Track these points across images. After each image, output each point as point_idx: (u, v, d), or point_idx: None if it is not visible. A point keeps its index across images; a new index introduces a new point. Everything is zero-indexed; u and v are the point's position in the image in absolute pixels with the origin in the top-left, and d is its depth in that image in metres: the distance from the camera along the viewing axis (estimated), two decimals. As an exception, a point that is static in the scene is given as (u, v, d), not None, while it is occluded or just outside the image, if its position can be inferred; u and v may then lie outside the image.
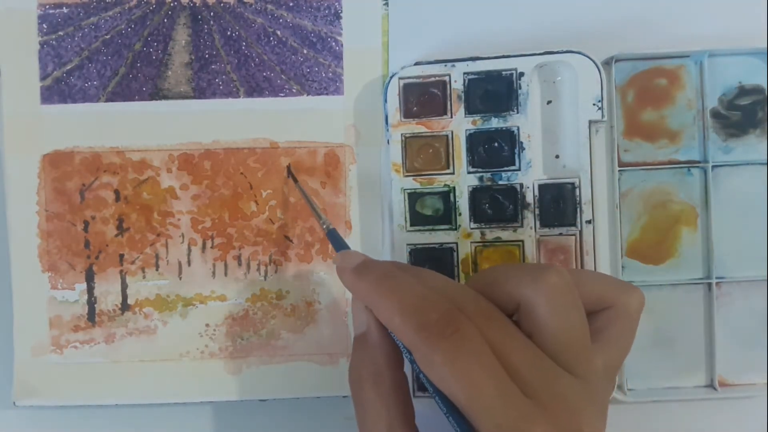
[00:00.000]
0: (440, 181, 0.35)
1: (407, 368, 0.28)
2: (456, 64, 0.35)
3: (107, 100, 0.37)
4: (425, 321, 0.24)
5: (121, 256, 0.37)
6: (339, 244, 0.32)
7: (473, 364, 0.23)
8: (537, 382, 0.24)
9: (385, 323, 0.26)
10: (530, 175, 0.35)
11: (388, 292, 0.26)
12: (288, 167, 0.36)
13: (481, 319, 0.25)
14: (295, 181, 0.36)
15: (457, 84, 0.35)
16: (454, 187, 0.35)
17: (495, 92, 0.35)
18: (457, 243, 0.35)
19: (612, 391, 0.28)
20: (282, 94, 0.37)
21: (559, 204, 0.35)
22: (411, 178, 0.36)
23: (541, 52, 0.34)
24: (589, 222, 0.35)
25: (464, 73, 0.35)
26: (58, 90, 0.37)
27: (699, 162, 0.36)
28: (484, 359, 0.23)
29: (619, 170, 0.36)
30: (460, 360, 0.23)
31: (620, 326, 0.27)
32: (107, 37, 0.37)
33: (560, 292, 0.25)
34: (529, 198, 0.35)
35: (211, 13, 0.37)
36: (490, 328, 0.25)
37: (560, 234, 0.35)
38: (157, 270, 0.37)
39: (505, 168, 0.35)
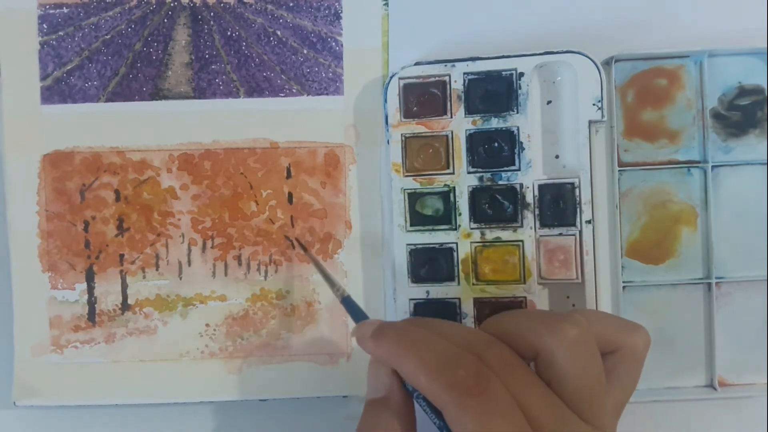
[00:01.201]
0: (440, 181, 0.35)
1: None
2: (456, 64, 0.35)
3: (107, 100, 0.37)
4: (453, 378, 0.24)
5: (122, 256, 0.37)
6: (355, 314, 0.31)
7: (503, 425, 0.23)
8: None
9: (412, 383, 0.26)
10: (530, 175, 0.35)
11: (408, 350, 0.26)
12: (297, 240, 0.36)
13: (504, 368, 0.25)
14: (305, 250, 0.36)
15: (457, 84, 0.35)
16: (454, 187, 0.35)
17: (495, 92, 0.35)
18: (457, 243, 0.35)
19: (616, 429, 0.28)
20: (282, 94, 0.37)
21: (559, 204, 0.35)
22: (411, 178, 0.36)
23: (541, 52, 0.34)
24: (588, 222, 0.35)
25: (464, 73, 0.35)
26: (58, 90, 0.37)
27: (699, 162, 0.36)
28: (513, 418, 0.24)
29: (619, 170, 0.36)
30: (490, 421, 0.23)
31: (628, 367, 0.28)
32: (107, 37, 0.37)
33: (580, 343, 0.26)
34: (529, 198, 0.35)
35: (212, 13, 0.37)
36: (513, 379, 0.25)
37: (560, 234, 0.35)
38: (157, 270, 0.37)
39: (505, 168, 0.35)
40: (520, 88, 0.35)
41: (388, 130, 0.36)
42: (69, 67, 0.37)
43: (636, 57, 0.36)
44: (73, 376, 0.36)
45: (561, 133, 0.35)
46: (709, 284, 0.36)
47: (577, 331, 0.26)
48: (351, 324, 0.36)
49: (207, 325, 0.37)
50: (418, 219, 0.36)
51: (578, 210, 0.35)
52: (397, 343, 0.26)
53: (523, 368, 0.26)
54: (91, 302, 0.37)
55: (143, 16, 0.37)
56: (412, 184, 0.36)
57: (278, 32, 0.37)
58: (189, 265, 0.37)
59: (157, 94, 0.37)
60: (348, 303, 0.32)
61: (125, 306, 0.37)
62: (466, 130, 0.35)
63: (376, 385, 0.28)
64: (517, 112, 0.35)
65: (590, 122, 0.34)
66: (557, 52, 0.34)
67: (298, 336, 0.37)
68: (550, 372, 0.26)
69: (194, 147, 0.37)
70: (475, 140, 0.35)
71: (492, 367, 0.25)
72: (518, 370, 0.25)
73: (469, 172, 0.35)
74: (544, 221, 0.35)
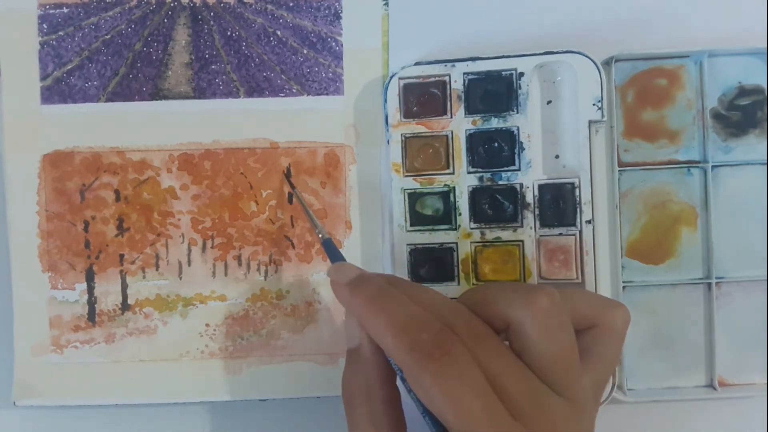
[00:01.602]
0: (440, 181, 0.35)
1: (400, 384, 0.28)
2: (456, 64, 0.35)
3: (107, 100, 0.37)
4: (416, 341, 0.24)
5: (122, 256, 0.37)
6: (334, 256, 0.32)
7: (462, 386, 0.23)
8: (525, 404, 0.24)
9: (377, 341, 0.26)
10: (530, 175, 0.35)
11: (380, 310, 0.26)
12: (285, 173, 0.36)
13: (472, 338, 0.25)
14: (293, 187, 0.36)
15: (457, 84, 0.35)
16: (454, 187, 0.35)
17: (495, 92, 0.35)
18: (457, 243, 0.35)
19: (597, 408, 0.28)
20: (282, 94, 0.37)
21: (559, 204, 0.35)
22: (411, 178, 0.36)
23: (541, 52, 0.34)
24: (588, 222, 0.35)
25: (464, 73, 0.35)
26: (58, 90, 0.37)
27: (699, 162, 0.36)
28: (474, 381, 0.24)
29: (619, 170, 0.36)
30: (449, 382, 0.23)
31: (607, 344, 0.28)
32: (107, 37, 0.37)
33: (550, 313, 0.26)
34: (529, 198, 0.35)
35: (211, 13, 0.37)
36: (480, 348, 0.25)
37: (560, 234, 0.35)
38: (157, 270, 0.37)
39: (505, 168, 0.35)
40: (520, 88, 0.35)
41: (388, 130, 0.36)
42: (69, 67, 0.37)
43: (636, 57, 0.36)
44: (73, 376, 0.36)
45: (561, 133, 0.35)
46: (709, 284, 0.36)
47: (547, 300, 0.26)
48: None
49: (207, 325, 0.37)
50: (418, 219, 0.36)
51: (578, 210, 0.35)
52: (370, 300, 0.27)
53: (493, 338, 0.26)
54: (91, 302, 0.37)
55: (143, 16, 0.37)
56: (412, 184, 0.36)
57: (278, 32, 0.37)
58: (189, 265, 0.37)
59: (157, 94, 0.37)
60: (328, 245, 0.33)
61: (125, 306, 0.37)
62: (466, 130, 0.35)
63: (350, 335, 0.29)
64: (517, 112, 0.35)
65: (590, 122, 0.34)
66: (557, 52, 0.34)
67: (298, 336, 0.37)
68: (520, 342, 0.26)
69: (194, 147, 0.37)
70: (475, 140, 0.35)
71: (461, 335, 0.25)
72: (487, 340, 0.25)
73: (469, 172, 0.35)
74: (544, 221, 0.35)
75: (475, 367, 0.24)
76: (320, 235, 0.33)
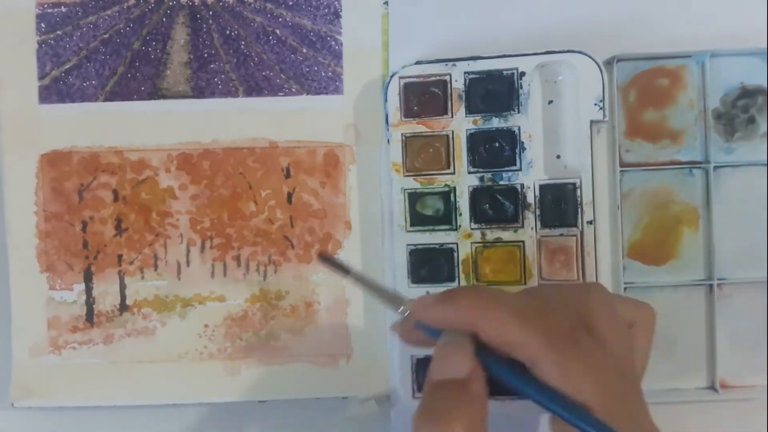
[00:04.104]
0: (440, 181, 0.35)
1: None
2: (457, 63, 0.35)
3: (106, 100, 0.36)
4: (550, 329, 0.24)
5: (120, 256, 0.36)
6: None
7: (596, 378, 0.24)
8: (622, 391, 0.25)
9: (499, 338, 0.25)
10: (531, 175, 0.35)
11: (496, 305, 0.25)
12: (324, 255, 0.32)
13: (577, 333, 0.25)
14: (347, 272, 0.30)
15: (458, 83, 0.35)
16: (454, 187, 0.35)
17: (496, 92, 0.35)
18: (457, 243, 0.35)
19: None
20: (281, 94, 0.37)
21: (560, 204, 0.35)
22: (411, 178, 0.35)
23: (543, 51, 0.34)
24: (590, 222, 0.34)
25: (465, 73, 0.35)
26: (56, 89, 0.36)
27: (700, 163, 0.36)
28: (602, 373, 0.24)
29: (621, 171, 0.36)
30: (587, 370, 0.24)
31: (642, 341, 0.28)
32: (106, 36, 0.36)
33: (610, 304, 0.27)
34: (530, 198, 0.35)
35: (210, 12, 0.37)
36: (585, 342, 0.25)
37: (561, 234, 0.35)
38: (155, 270, 0.36)
39: (506, 168, 0.35)
40: (521, 87, 0.35)
41: (388, 130, 0.35)
42: (67, 67, 0.36)
43: (638, 57, 0.36)
44: (71, 377, 0.36)
45: (562, 133, 0.35)
46: (711, 286, 0.36)
47: (604, 291, 0.27)
48: (351, 325, 0.36)
49: (206, 325, 0.36)
50: (418, 219, 0.35)
51: (579, 210, 0.34)
52: (477, 299, 0.25)
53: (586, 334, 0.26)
54: (90, 303, 0.36)
55: (142, 15, 0.36)
56: (413, 184, 0.35)
57: (277, 31, 0.37)
58: (188, 265, 0.37)
59: (155, 94, 0.36)
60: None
61: (123, 307, 0.36)
62: (466, 129, 0.35)
63: (452, 366, 0.25)
64: (518, 112, 0.35)
65: (592, 122, 0.34)
66: (559, 52, 0.34)
67: (298, 337, 0.36)
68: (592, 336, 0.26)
69: (193, 147, 0.37)
70: (475, 140, 0.35)
71: None
72: (585, 336, 0.25)
73: (469, 172, 0.35)
74: (545, 222, 0.35)
75: (601, 359, 0.25)
76: (400, 310, 0.28)
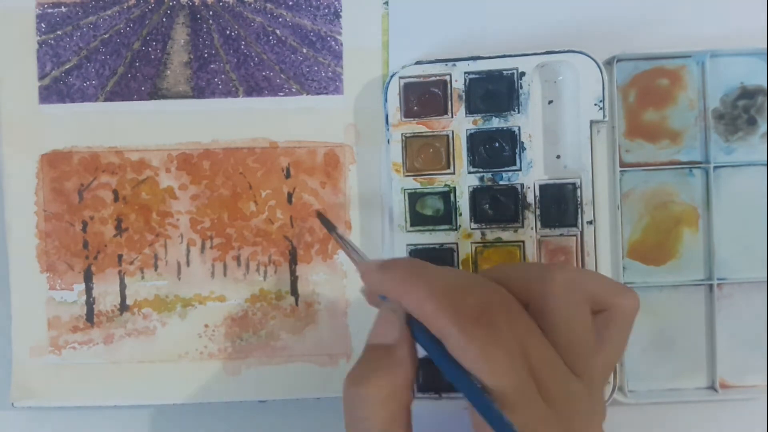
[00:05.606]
0: (441, 181, 0.35)
1: None
2: (457, 63, 0.35)
3: (106, 100, 0.36)
4: (460, 308, 0.24)
5: (120, 256, 0.36)
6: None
7: (505, 359, 0.23)
8: (552, 384, 0.24)
9: (416, 311, 0.25)
10: (531, 175, 0.35)
11: (419, 280, 0.25)
12: (319, 213, 0.35)
13: (508, 314, 0.25)
14: (332, 229, 0.33)
15: (458, 83, 0.35)
16: (454, 187, 0.35)
17: (496, 92, 0.35)
18: (457, 243, 0.35)
19: (604, 393, 0.28)
20: (281, 94, 0.37)
21: (560, 204, 0.35)
22: (411, 178, 0.35)
23: (543, 51, 0.34)
24: (590, 223, 0.34)
25: (465, 73, 0.35)
26: (56, 90, 0.36)
27: (700, 163, 0.36)
28: (515, 355, 0.24)
29: (621, 171, 0.36)
30: (495, 352, 0.23)
31: (617, 329, 0.27)
32: (106, 36, 0.36)
33: (570, 289, 0.26)
34: (530, 198, 0.35)
35: (210, 12, 0.37)
36: (516, 324, 0.25)
37: (561, 235, 0.35)
38: (155, 270, 0.36)
39: (506, 168, 0.35)
40: (521, 87, 0.35)
41: (388, 130, 0.35)
42: (67, 67, 0.36)
43: (638, 57, 0.36)
44: (71, 377, 0.36)
45: (562, 133, 0.35)
46: (711, 285, 0.36)
47: (566, 275, 0.26)
48: (351, 325, 0.36)
49: (206, 325, 0.37)
50: (418, 219, 0.35)
51: (579, 210, 0.35)
52: (407, 271, 0.26)
53: (525, 314, 0.26)
54: (90, 303, 0.36)
55: (142, 15, 0.36)
56: (413, 184, 0.35)
57: (277, 31, 0.37)
58: (188, 265, 0.37)
59: (155, 94, 0.36)
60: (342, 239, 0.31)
61: (124, 307, 0.36)
62: (466, 129, 0.35)
63: (383, 331, 0.26)
64: (518, 112, 0.35)
65: (592, 122, 0.34)
66: (559, 52, 0.34)
67: (298, 337, 0.36)
68: (542, 320, 0.25)
69: (193, 147, 0.37)
70: (475, 140, 0.35)
71: (497, 308, 0.25)
72: (520, 316, 0.25)
73: (469, 172, 0.35)
74: (545, 222, 0.35)
75: (515, 341, 0.24)
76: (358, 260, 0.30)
